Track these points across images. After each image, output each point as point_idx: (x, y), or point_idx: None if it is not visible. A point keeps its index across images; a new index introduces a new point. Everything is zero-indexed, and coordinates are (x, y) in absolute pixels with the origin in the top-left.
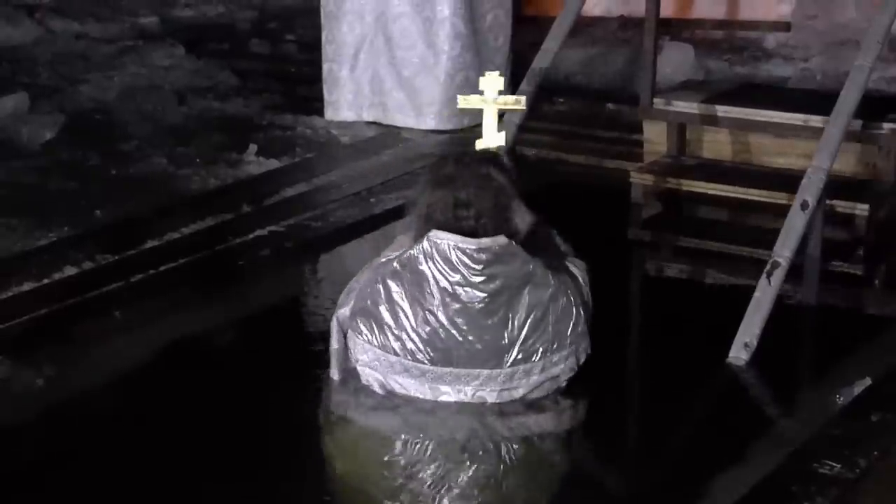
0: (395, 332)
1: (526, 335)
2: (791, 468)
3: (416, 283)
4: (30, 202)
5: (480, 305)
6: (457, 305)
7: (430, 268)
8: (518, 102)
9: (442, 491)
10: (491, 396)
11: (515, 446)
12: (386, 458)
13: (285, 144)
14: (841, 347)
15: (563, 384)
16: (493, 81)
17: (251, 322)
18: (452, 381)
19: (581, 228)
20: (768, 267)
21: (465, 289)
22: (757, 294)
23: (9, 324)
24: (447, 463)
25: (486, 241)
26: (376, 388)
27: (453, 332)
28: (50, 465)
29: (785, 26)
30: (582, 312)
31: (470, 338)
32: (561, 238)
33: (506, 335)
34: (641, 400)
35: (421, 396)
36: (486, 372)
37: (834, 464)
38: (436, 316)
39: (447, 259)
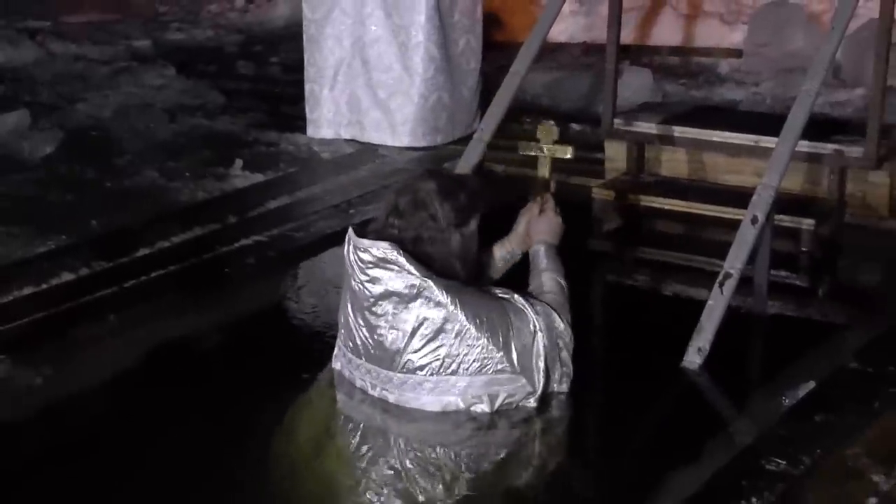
0: (340, 320)
1: (414, 347)
2: (741, 465)
3: (345, 275)
4: (30, 212)
5: (367, 304)
6: (355, 300)
7: (347, 261)
8: (565, 152)
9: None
10: (391, 397)
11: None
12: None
13: (269, 160)
14: (787, 353)
15: (470, 410)
16: (548, 131)
17: (236, 326)
18: (365, 374)
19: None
20: (721, 277)
21: (359, 285)
22: (710, 302)
23: (9, 325)
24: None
25: (366, 242)
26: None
27: (357, 325)
28: (47, 459)
29: (737, 53)
30: (499, 357)
31: (366, 333)
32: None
33: (392, 341)
34: (600, 402)
35: (351, 384)
36: (384, 372)
37: (780, 461)
38: (348, 308)
39: (348, 253)
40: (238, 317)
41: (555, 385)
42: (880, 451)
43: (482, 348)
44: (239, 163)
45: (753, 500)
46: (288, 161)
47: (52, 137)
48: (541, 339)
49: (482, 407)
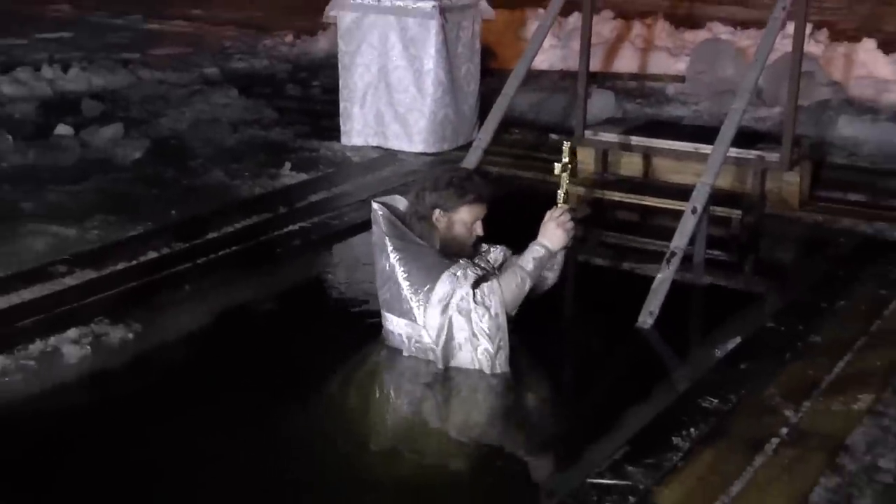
0: None
1: (379, 287)
2: (682, 403)
3: None
4: (123, 204)
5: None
6: None
7: None
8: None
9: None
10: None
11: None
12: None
13: (311, 163)
14: (719, 315)
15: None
16: (564, 151)
17: (285, 292)
18: None
19: (529, 226)
20: (668, 255)
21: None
22: (659, 275)
23: (108, 293)
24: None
25: (373, 204)
26: None
27: None
28: (138, 398)
29: (681, 79)
30: (414, 307)
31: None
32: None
33: (377, 279)
34: (566, 353)
35: None
36: None
37: (713, 400)
38: None
39: None
40: (287, 285)
41: (476, 362)
42: (790, 391)
43: (404, 298)
44: (287, 165)
45: (691, 430)
46: (326, 164)
47: (140, 145)
48: (451, 307)
49: (403, 348)
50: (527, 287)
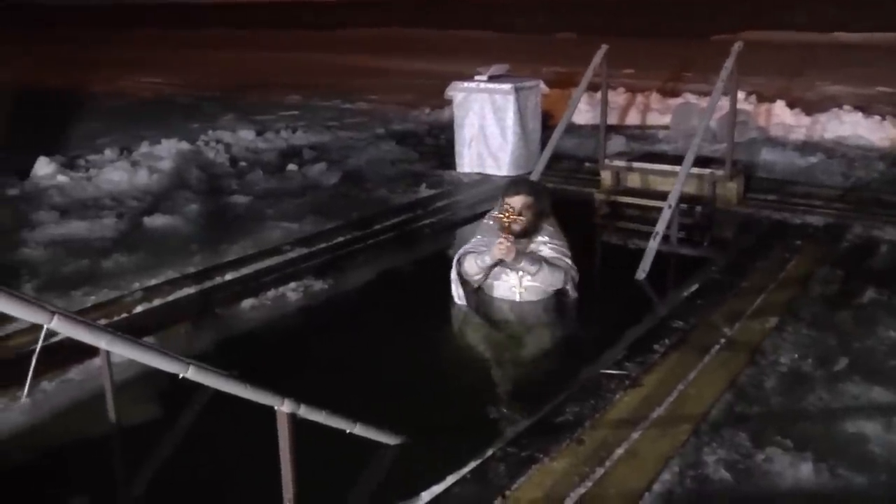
0: None
1: None
2: (662, 325)
3: None
4: (325, 209)
5: None
6: None
7: None
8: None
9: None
10: None
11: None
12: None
13: (438, 183)
14: (685, 272)
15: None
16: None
17: (420, 261)
18: None
19: (572, 218)
20: (654, 234)
21: None
22: (649, 246)
23: (314, 261)
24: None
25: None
26: None
27: None
28: (332, 319)
29: (667, 128)
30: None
31: None
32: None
33: None
34: (594, 292)
35: None
36: None
37: (680, 322)
38: None
39: None
40: (421, 256)
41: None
42: (728, 316)
43: None
44: (424, 185)
45: (666, 341)
46: (447, 184)
47: (336, 175)
48: (457, 265)
49: None
50: (475, 269)
